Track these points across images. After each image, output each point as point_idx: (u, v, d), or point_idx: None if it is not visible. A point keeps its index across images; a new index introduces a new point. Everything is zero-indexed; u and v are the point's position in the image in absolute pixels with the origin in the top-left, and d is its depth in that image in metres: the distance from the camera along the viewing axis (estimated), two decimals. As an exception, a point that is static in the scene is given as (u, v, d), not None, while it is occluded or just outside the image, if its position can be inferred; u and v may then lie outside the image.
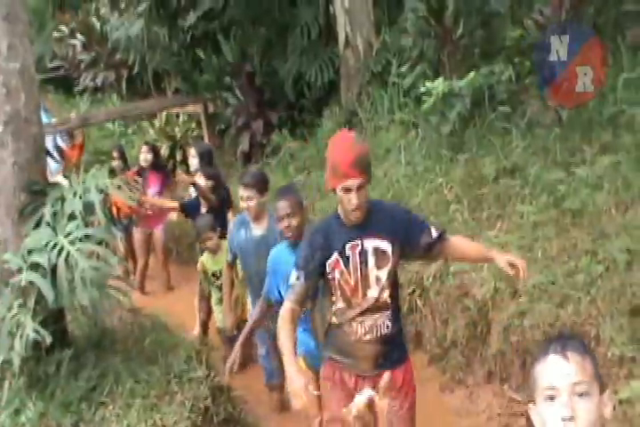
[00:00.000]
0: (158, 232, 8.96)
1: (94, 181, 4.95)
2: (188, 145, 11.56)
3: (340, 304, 3.66)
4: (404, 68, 9.28)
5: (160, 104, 11.99)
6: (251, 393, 5.86)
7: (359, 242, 3.58)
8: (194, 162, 7.73)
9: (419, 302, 6.27)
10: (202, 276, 6.76)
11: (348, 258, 3.58)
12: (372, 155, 8.77)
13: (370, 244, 3.59)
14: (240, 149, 11.12)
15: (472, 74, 7.72)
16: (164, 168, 9.17)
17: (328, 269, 3.60)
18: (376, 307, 3.64)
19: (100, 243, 4.88)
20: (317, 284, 3.69)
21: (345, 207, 3.53)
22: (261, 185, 5.33)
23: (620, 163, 5.97)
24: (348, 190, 3.43)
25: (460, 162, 7.37)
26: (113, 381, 4.97)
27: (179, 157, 11.49)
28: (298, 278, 3.64)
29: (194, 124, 11.95)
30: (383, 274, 3.61)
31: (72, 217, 4.79)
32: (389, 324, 3.68)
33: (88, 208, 4.86)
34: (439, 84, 7.76)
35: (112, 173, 7.88)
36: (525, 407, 2.17)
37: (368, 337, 3.67)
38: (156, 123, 12.08)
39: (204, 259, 6.64)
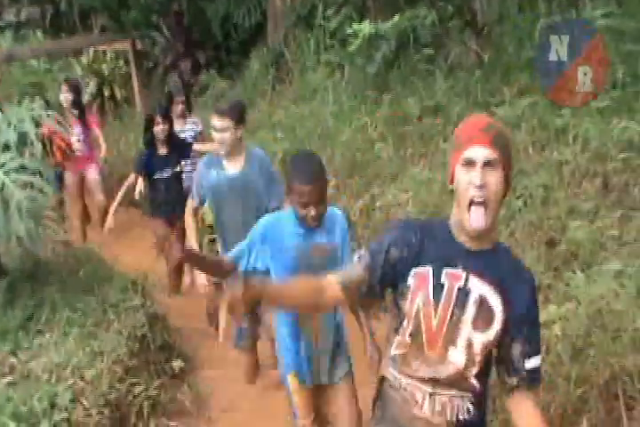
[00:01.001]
0: (92, 174, 7.87)
1: (28, 111, 4.71)
2: (115, 82, 11.20)
3: (403, 348, 2.34)
4: (330, 11, 9.09)
5: (87, 41, 11.47)
6: (186, 322, 5.78)
7: (463, 274, 2.24)
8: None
9: (346, 235, 6.25)
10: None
11: (442, 286, 2.24)
12: (299, 95, 8.78)
13: (476, 286, 2.24)
14: (168, 87, 10.76)
15: (397, 17, 7.60)
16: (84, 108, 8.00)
17: (409, 282, 2.26)
18: (455, 382, 2.30)
19: (34, 173, 4.67)
20: (377, 289, 2.32)
21: (462, 203, 2.17)
22: (238, 115, 4.39)
23: (536, 104, 5.99)
24: (470, 164, 2.13)
25: (385, 102, 7.30)
26: (49, 310, 4.86)
27: (107, 93, 11.09)
28: (359, 259, 2.37)
29: (122, 62, 11.50)
30: (479, 340, 2.24)
31: (6, 148, 4.57)
32: (471, 408, 2.34)
33: (22, 139, 4.63)
34: (365, 27, 7.60)
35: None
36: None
37: (437, 420, 2.34)
38: (83, 60, 11.58)
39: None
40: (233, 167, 4.49)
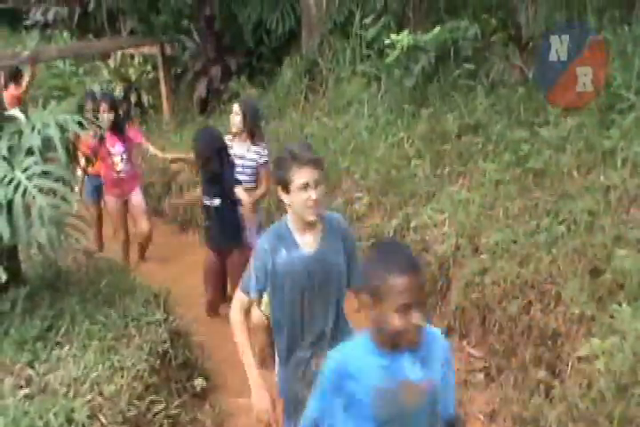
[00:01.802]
0: (136, 198, 7.41)
1: (53, 116, 4.75)
2: (142, 88, 11.28)
3: None
4: (367, 20, 9.10)
5: (115, 44, 11.56)
6: (210, 339, 5.79)
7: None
8: (235, 120, 6.49)
9: (378, 255, 6.23)
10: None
11: None
12: (333, 107, 8.79)
13: None
14: (197, 94, 10.85)
15: (437, 28, 7.60)
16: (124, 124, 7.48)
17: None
18: None
19: (58, 180, 4.71)
20: None
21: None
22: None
23: (583, 124, 5.96)
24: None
25: (423, 117, 7.29)
26: (69, 321, 4.88)
27: (133, 99, 11.17)
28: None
29: (149, 67, 11.59)
30: None
31: (30, 152, 4.61)
32: None
33: (47, 144, 4.68)
34: (404, 38, 7.62)
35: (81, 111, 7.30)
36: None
37: None
38: (110, 63, 11.69)
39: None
40: (309, 243, 3.40)
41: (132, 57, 11.81)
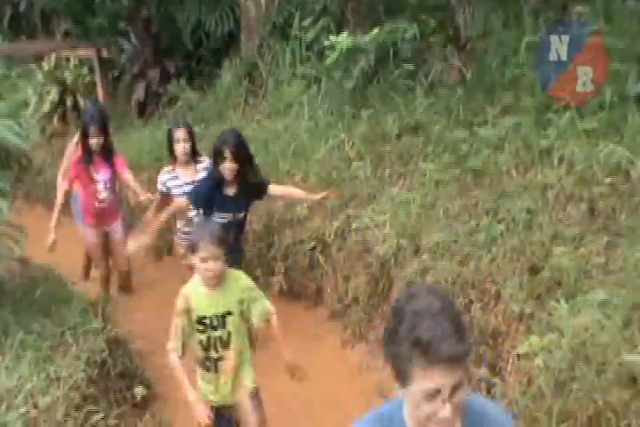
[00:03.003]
0: (117, 232, 6.89)
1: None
2: (79, 91, 11.13)
3: None
4: (306, 22, 9.13)
5: (49, 46, 11.43)
6: (149, 346, 5.73)
7: None
8: (185, 147, 6.23)
9: (320, 257, 6.27)
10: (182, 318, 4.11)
11: None
12: (273, 109, 8.79)
13: None
14: (135, 97, 10.77)
15: (376, 30, 7.66)
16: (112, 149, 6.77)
17: None
18: None
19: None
20: None
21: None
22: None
23: (520, 124, 6.05)
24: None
25: (363, 118, 7.33)
26: (1, 333, 4.83)
27: (69, 103, 11.02)
28: None
29: (86, 70, 11.44)
30: None
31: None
32: None
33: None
34: (343, 39, 7.66)
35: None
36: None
37: None
38: (45, 66, 11.50)
39: (191, 291, 4.10)
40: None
41: (68, 60, 11.64)
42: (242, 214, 5.65)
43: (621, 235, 4.67)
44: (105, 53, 11.03)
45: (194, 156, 6.28)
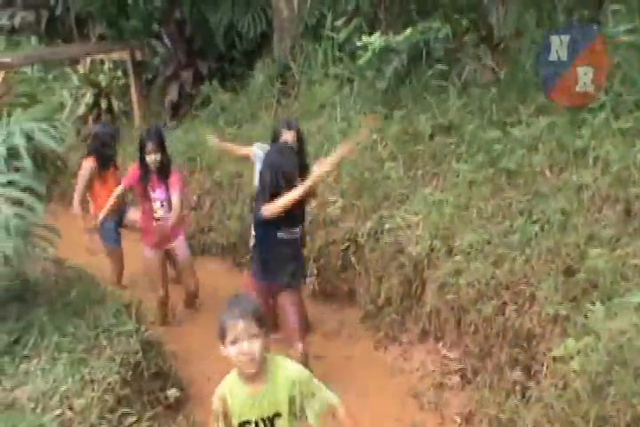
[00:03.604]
0: (181, 249, 6.57)
1: (19, 124, 4.71)
2: (113, 94, 11.21)
3: None
4: (339, 22, 9.10)
5: (84, 49, 11.49)
6: (182, 348, 5.76)
7: None
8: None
9: (353, 258, 6.25)
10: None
11: None
12: (305, 110, 8.78)
13: None
14: (168, 99, 10.78)
15: (409, 30, 7.61)
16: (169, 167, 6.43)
17: None
18: None
19: (25, 190, 4.67)
20: None
21: None
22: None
23: (554, 124, 5.98)
24: None
25: (396, 119, 7.29)
26: (37, 334, 4.86)
27: (104, 105, 11.10)
28: None
29: (120, 73, 11.52)
30: None
31: (-6, 161, 4.57)
32: None
33: (12, 153, 4.64)
34: (375, 39, 7.61)
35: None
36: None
37: None
38: (80, 69, 11.60)
39: (229, 391, 3.30)
40: None
41: (102, 62, 11.73)
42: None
43: (658, 236, 4.59)
44: (139, 56, 11.07)
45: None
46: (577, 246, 4.80)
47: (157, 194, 6.29)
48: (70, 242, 7.35)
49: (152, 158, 6.12)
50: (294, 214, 4.97)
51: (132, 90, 11.02)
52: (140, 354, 4.95)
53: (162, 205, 6.29)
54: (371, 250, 6.09)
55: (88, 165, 7.02)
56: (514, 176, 5.81)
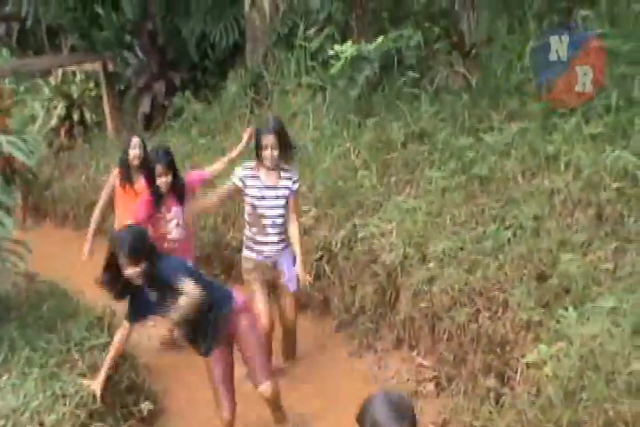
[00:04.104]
0: None
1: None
2: (85, 105, 11.16)
3: None
4: (311, 31, 9.14)
5: (56, 61, 11.44)
6: (156, 361, 5.71)
7: None
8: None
9: (326, 267, 6.22)
10: None
11: None
12: (279, 118, 8.76)
13: None
14: (141, 110, 10.75)
15: (381, 38, 7.65)
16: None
17: None
18: None
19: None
20: None
21: None
22: None
23: (526, 130, 6.01)
24: None
25: (369, 127, 7.31)
26: (7, 349, 4.82)
27: (76, 117, 11.04)
28: None
29: (92, 84, 11.46)
30: None
31: (-37, 176, 4.52)
32: None
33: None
34: (347, 48, 7.66)
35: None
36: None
37: None
38: (52, 81, 11.54)
39: None
40: None
41: (74, 74, 11.66)
42: None
43: (630, 240, 4.62)
44: (111, 67, 11.03)
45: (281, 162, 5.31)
46: (549, 251, 4.82)
47: (172, 213, 5.90)
48: (46, 256, 7.34)
49: (163, 181, 5.73)
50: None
51: (105, 101, 10.96)
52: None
53: (177, 225, 5.93)
54: (344, 259, 6.07)
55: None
56: (486, 182, 5.83)
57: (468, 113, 6.65)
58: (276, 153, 5.11)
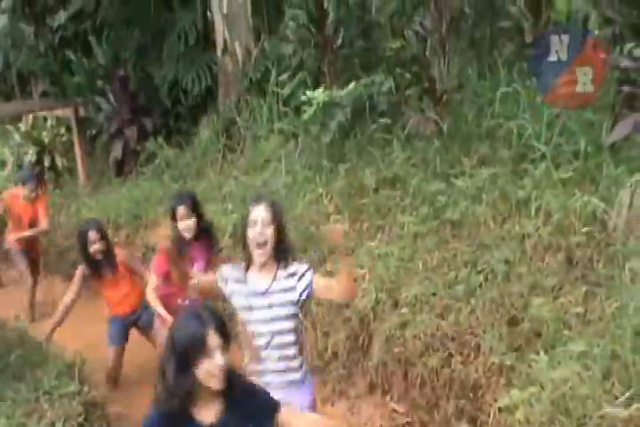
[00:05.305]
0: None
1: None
2: (56, 151, 11.22)
3: None
4: (283, 77, 9.30)
5: (26, 107, 11.53)
6: (129, 408, 5.67)
7: None
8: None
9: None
10: None
11: None
12: (251, 165, 8.87)
13: None
14: (113, 155, 10.83)
15: (353, 84, 7.81)
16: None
17: None
18: None
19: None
20: None
21: None
22: None
23: (497, 175, 6.14)
24: None
25: (341, 172, 7.41)
26: (-27, 401, 4.74)
27: (47, 162, 11.10)
28: None
29: (63, 129, 11.56)
30: None
31: None
32: None
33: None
34: (319, 94, 7.80)
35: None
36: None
37: None
38: (22, 126, 11.61)
39: None
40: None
41: (45, 119, 11.78)
42: None
43: (599, 284, 4.71)
44: (82, 112, 11.15)
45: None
46: (521, 296, 4.91)
47: (197, 267, 5.30)
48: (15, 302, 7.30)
49: (185, 224, 5.23)
50: None
51: (76, 147, 11.05)
52: (83, 417, 4.85)
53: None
54: (317, 304, 6.11)
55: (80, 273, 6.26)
56: (458, 227, 5.93)
57: (439, 158, 6.77)
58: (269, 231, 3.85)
